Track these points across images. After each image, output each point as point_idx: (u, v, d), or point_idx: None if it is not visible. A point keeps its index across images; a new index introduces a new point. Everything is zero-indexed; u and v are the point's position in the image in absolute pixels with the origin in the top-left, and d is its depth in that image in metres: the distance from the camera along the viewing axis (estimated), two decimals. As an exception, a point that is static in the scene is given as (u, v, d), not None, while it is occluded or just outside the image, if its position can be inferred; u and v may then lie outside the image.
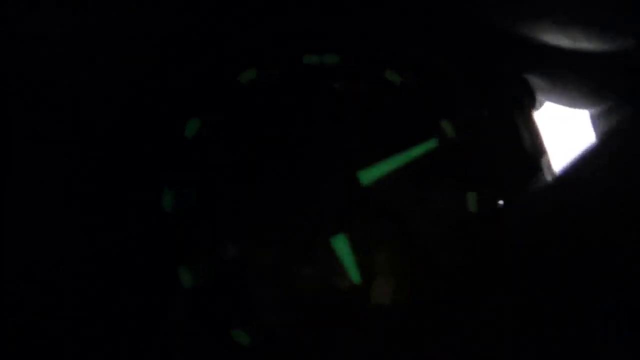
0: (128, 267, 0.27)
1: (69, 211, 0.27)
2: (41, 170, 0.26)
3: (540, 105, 0.30)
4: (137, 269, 0.28)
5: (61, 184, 0.26)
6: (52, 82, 0.25)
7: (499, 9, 0.27)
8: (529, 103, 0.29)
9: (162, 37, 0.27)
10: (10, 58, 0.24)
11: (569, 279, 0.19)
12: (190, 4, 0.28)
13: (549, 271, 0.20)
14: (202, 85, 0.28)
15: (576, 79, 0.29)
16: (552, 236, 0.21)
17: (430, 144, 0.28)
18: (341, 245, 0.27)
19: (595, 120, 0.29)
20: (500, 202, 0.28)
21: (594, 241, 0.19)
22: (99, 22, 0.25)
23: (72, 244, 0.27)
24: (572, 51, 0.27)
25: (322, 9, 0.29)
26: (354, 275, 0.27)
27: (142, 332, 0.27)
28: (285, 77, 0.29)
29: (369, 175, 0.28)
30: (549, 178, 0.29)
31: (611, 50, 0.26)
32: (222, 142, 0.28)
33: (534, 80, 0.29)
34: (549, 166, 0.29)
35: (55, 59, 0.24)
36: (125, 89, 0.27)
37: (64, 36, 0.24)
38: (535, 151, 0.29)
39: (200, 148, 0.28)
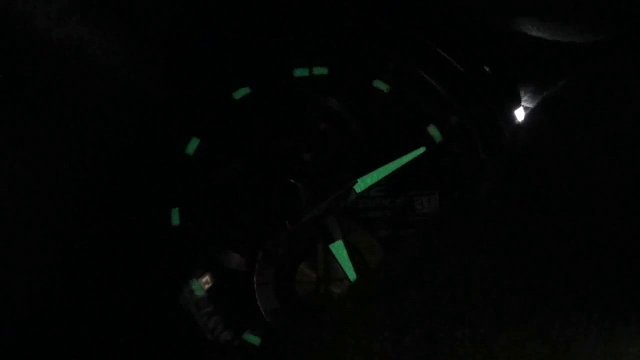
0: (140, 279, 0.30)
1: (83, 229, 0.29)
2: (56, 191, 0.27)
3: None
4: (148, 280, 0.30)
5: (76, 204, 0.28)
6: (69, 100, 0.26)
7: (480, 5, 0.28)
8: (513, 103, 0.30)
9: (159, 63, 0.28)
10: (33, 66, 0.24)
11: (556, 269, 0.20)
12: (181, 26, 0.28)
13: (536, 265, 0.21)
14: (198, 104, 0.29)
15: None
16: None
17: (419, 151, 0.29)
18: (339, 251, 0.29)
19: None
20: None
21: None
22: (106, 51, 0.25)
23: (86, 261, 0.29)
24: (551, 43, 0.28)
25: (309, 23, 0.29)
26: (352, 276, 0.29)
27: (157, 341, 0.29)
28: (277, 90, 0.30)
29: (362, 185, 0.29)
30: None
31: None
32: (221, 158, 0.30)
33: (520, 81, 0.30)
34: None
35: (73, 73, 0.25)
36: (129, 114, 0.28)
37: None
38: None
39: (200, 165, 0.30)
